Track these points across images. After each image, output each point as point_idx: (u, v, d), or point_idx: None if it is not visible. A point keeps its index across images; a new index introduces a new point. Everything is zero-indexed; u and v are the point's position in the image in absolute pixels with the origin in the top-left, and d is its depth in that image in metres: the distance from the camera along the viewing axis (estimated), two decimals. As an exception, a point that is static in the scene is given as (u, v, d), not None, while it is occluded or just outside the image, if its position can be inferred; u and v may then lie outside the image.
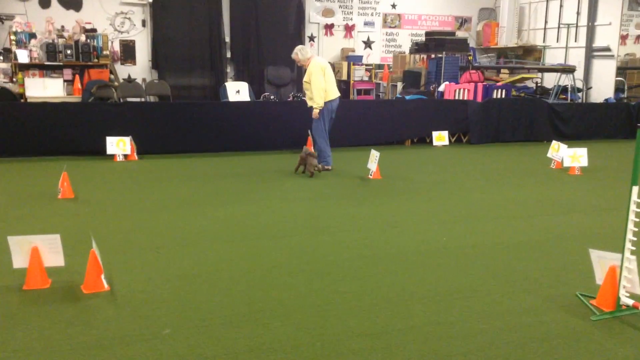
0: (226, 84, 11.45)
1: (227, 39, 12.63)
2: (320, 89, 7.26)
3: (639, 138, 3.27)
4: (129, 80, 10.99)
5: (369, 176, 7.15)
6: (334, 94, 7.51)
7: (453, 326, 3.21)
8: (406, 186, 6.79)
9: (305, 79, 7.51)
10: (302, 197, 6.18)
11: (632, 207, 3.30)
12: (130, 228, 4.91)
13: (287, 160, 8.33)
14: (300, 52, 7.52)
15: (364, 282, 3.81)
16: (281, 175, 7.30)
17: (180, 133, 8.71)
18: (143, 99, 10.79)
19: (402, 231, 4.98)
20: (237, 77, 12.69)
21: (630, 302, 3.36)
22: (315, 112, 7.42)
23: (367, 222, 5.25)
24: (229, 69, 12.80)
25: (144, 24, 12.14)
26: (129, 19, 12.09)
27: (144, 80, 11.92)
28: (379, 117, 9.79)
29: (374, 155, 7.15)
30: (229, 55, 12.70)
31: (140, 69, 12.20)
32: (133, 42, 12.15)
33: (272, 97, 11.32)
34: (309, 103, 7.52)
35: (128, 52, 12.14)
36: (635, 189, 3.29)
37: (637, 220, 3.31)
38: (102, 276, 3.60)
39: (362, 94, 13.28)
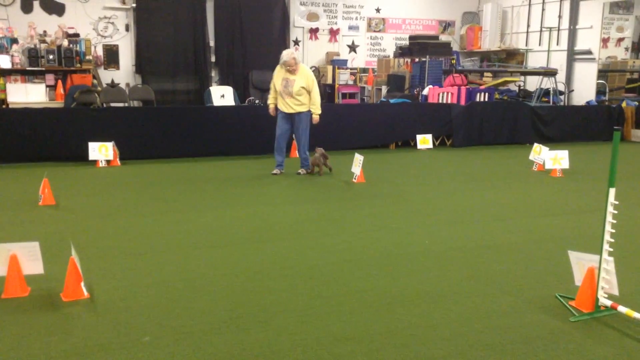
0: (211, 88, 11.42)
1: (212, 43, 12.59)
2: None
3: (616, 140, 3.31)
4: (112, 85, 10.92)
5: (353, 180, 7.16)
6: None
7: (434, 329, 3.23)
8: (390, 190, 6.81)
9: (302, 84, 7.34)
10: (286, 201, 6.18)
11: (610, 209, 3.34)
12: (112, 234, 4.87)
13: (272, 165, 8.31)
14: (297, 56, 7.48)
15: (347, 286, 3.82)
16: (266, 179, 7.29)
17: (164, 138, 8.68)
18: (126, 104, 10.72)
19: (385, 234, 5.00)
20: (222, 82, 12.66)
21: (609, 303, 3.40)
22: (318, 117, 7.53)
23: (351, 226, 5.26)
24: (213, 73, 12.76)
25: (127, 28, 12.07)
26: (113, 23, 12.02)
27: (127, 85, 11.85)
28: (363, 120, 9.82)
29: (358, 159, 7.17)
30: (213, 59, 12.66)
31: (124, 74, 12.13)
32: (116, 46, 12.07)
33: (257, 101, 11.30)
34: (313, 109, 7.48)
35: (111, 56, 12.07)
36: (612, 191, 3.33)
37: (615, 222, 3.35)
38: (82, 283, 3.57)
39: (347, 98, 13.31)
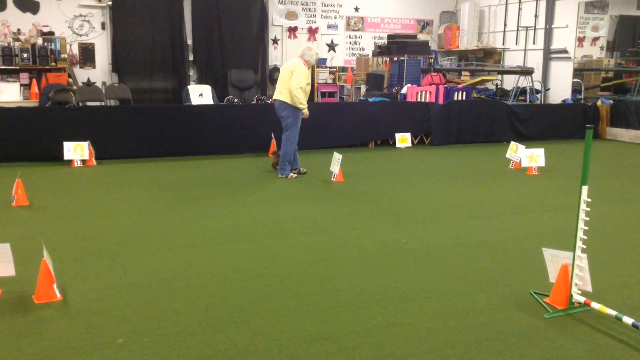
0: (189, 87, 11.32)
1: (189, 42, 12.49)
2: None
3: (588, 139, 3.35)
4: (88, 83, 10.77)
5: (332, 179, 7.16)
6: (275, 94, 7.32)
7: (410, 327, 3.24)
8: (368, 188, 6.82)
9: (308, 81, 7.15)
10: (263, 200, 6.16)
11: (583, 206, 3.38)
12: (86, 235, 4.81)
13: (250, 164, 8.29)
14: None
15: (323, 285, 3.81)
16: (243, 179, 7.26)
17: (140, 137, 8.59)
18: (103, 103, 10.59)
19: (363, 233, 5.00)
20: (200, 80, 12.57)
21: (582, 299, 3.44)
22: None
23: (328, 224, 5.25)
24: (191, 72, 12.66)
25: (103, 26, 11.92)
26: (88, 21, 11.86)
27: (103, 83, 11.70)
28: (342, 119, 9.83)
29: (337, 157, 7.17)
30: (191, 58, 12.56)
31: (100, 73, 11.97)
32: (92, 45, 11.91)
33: (235, 100, 11.24)
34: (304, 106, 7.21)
35: (87, 55, 11.91)
36: (585, 188, 3.37)
37: (588, 219, 3.39)
38: (55, 285, 3.51)
39: (326, 97, 13.30)
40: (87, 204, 5.86)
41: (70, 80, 10.67)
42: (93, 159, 7.98)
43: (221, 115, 9.12)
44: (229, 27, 12.81)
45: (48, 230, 4.92)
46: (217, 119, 9.04)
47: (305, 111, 7.20)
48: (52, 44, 10.46)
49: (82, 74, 11.62)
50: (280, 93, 7.16)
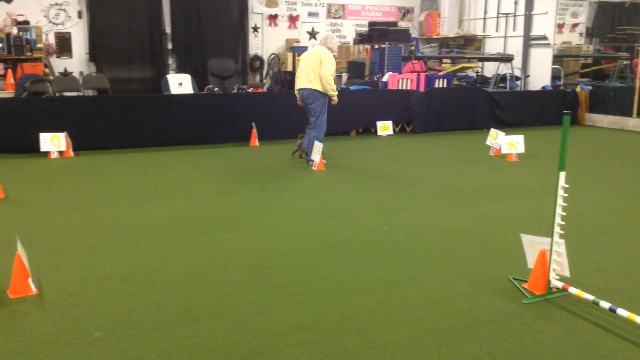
0: (168, 76, 11.18)
1: (168, 30, 12.33)
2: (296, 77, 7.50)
3: (565, 125, 3.37)
4: (65, 73, 10.59)
5: (313, 167, 7.14)
6: (298, 84, 7.36)
7: (390, 315, 3.24)
8: (349, 177, 6.81)
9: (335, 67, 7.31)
10: (243, 190, 6.12)
11: (560, 192, 3.39)
12: (63, 228, 4.74)
13: (230, 154, 8.24)
14: None
15: (304, 275, 3.80)
16: (223, 169, 7.20)
17: (119, 128, 8.48)
18: (80, 93, 10.43)
19: (344, 222, 4.99)
20: (180, 69, 12.42)
21: (560, 284, 3.47)
22: None
23: (309, 213, 5.24)
24: (170, 61, 12.50)
25: (80, 15, 11.70)
26: (64, 10, 11.63)
27: (81, 73, 11.51)
28: (323, 108, 9.77)
29: (318, 146, 7.15)
30: (170, 46, 12.40)
31: (77, 62, 11.76)
32: (69, 34, 11.70)
33: (216, 89, 11.14)
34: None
35: (64, 44, 11.69)
36: (562, 174, 3.39)
37: (565, 205, 3.41)
38: (30, 279, 3.45)
39: (307, 85, 13.22)
40: (64, 196, 5.77)
41: (47, 70, 10.48)
42: (70, 150, 7.86)
43: (201, 104, 9.03)
44: (209, 15, 12.66)
45: (24, 223, 4.83)
46: (197, 108, 8.95)
47: (335, 97, 7.30)
48: (28, 33, 10.26)
49: (58, 64, 11.42)
50: (310, 82, 7.19)
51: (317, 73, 7.13)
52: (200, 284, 3.62)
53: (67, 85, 10.33)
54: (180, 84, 10.89)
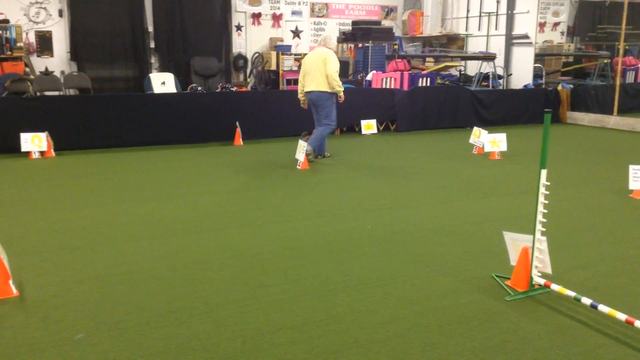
0: (151, 75, 11.11)
1: (150, 29, 12.24)
2: (299, 81, 7.74)
3: (546, 123, 3.40)
4: (46, 73, 10.47)
5: (297, 167, 7.13)
6: (309, 86, 7.51)
7: (374, 313, 3.25)
8: (334, 176, 6.82)
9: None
10: (228, 189, 6.09)
11: (542, 189, 3.42)
12: (45, 229, 4.68)
13: (214, 153, 8.21)
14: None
15: (288, 274, 3.80)
16: (207, 168, 7.17)
17: (101, 128, 8.40)
18: (61, 93, 10.32)
19: (329, 221, 5.00)
20: (162, 68, 12.34)
21: (542, 281, 3.50)
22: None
23: (294, 213, 5.23)
24: (153, 60, 12.41)
25: (60, 13, 11.58)
26: (45, 8, 11.50)
27: (62, 72, 11.39)
28: (308, 107, 9.75)
29: (302, 145, 7.14)
30: (152, 45, 12.31)
31: (58, 61, 11.64)
32: (50, 33, 11.56)
33: (199, 88, 11.08)
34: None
35: (44, 43, 11.55)
36: (543, 172, 3.42)
37: (547, 202, 3.44)
38: (10, 281, 3.41)
39: (291, 84, 13.22)
40: (45, 196, 5.71)
41: (27, 69, 10.37)
42: (52, 150, 7.78)
43: (185, 103, 8.97)
44: (191, 14, 12.59)
45: (5, 224, 4.77)
46: (181, 107, 8.89)
47: (342, 94, 7.52)
48: (7, 32, 10.14)
49: (39, 63, 11.28)
50: (318, 84, 7.39)
51: (323, 74, 7.32)
52: (184, 284, 3.60)
53: (48, 85, 10.21)
54: (163, 83, 10.82)
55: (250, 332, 3.02)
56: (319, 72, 7.34)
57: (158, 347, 2.85)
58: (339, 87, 7.40)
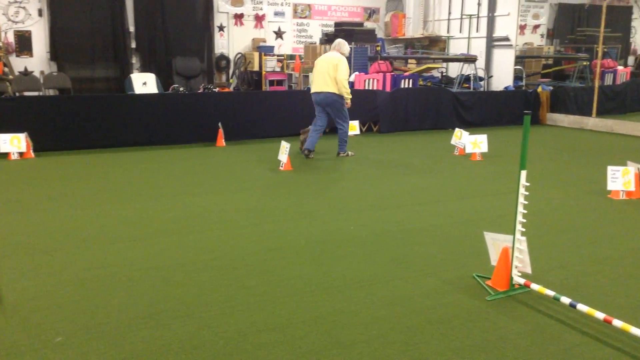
0: (132, 75, 11.04)
1: (131, 29, 12.15)
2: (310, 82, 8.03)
3: (526, 124, 3.44)
4: (25, 73, 10.35)
5: (280, 168, 7.12)
6: (315, 87, 7.77)
7: (356, 314, 3.26)
8: (316, 177, 6.83)
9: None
10: (209, 191, 6.07)
11: (521, 190, 3.46)
12: (24, 231, 4.62)
13: (197, 154, 8.17)
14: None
15: (271, 276, 3.79)
16: (189, 169, 7.13)
17: (81, 128, 8.32)
18: (41, 93, 10.20)
19: (311, 222, 5.00)
20: (144, 69, 12.26)
21: (522, 281, 3.54)
22: None
23: (276, 214, 5.23)
24: (134, 60, 12.33)
25: (40, 13, 11.44)
26: (24, 8, 11.36)
27: (42, 73, 11.27)
28: (291, 108, 9.77)
29: (285, 146, 7.14)
30: (133, 45, 12.23)
31: (38, 61, 11.51)
32: (29, 32, 11.43)
33: (181, 89, 11.03)
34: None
35: (24, 43, 11.42)
36: (523, 173, 3.46)
37: (527, 203, 3.48)
38: (-12, 284, 3.37)
39: (274, 85, 13.22)
40: (24, 198, 5.64)
41: (6, 69, 10.22)
42: (31, 151, 7.68)
43: (166, 104, 8.92)
44: (173, 14, 12.53)
45: (-18, 227, 4.71)
46: (162, 108, 8.84)
47: (349, 101, 7.80)
48: (-15, 31, 9.98)
49: (18, 63, 11.14)
50: (327, 85, 7.63)
51: (332, 77, 7.55)
52: (166, 286, 3.58)
53: (28, 85, 10.10)
54: (144, 83, 10.76)
55: (232, 333, 3.01)
56: (327, 75, 7.57)
57: (139, 349, 2.83)
58: (347, 93, 7.68)
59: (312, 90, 7.82)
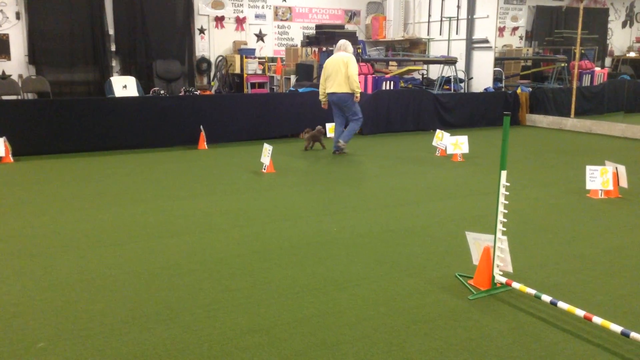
0: (112, 78, 10.95)
1: (111, 31, 12.06)
2: (320, 83, 8.45)
3: (505, 125, 3.48)
4: (3, 76, 10.23)
5: (263, 170, 7.12)
6: (330, 88, 8.26)
7: (341, 315, 3.27)
8: (299, 179, 6.83)
9: None
10: (192, 194, 6.05)
11: (502, 190, 3.51)
12: (3, 236, 4.56)
13: (178, 158, 8.13)
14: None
15: (255, 278, 3.79)
16: (170, 173, 7.10)
17: (61, 132, 8.24)
18: (19, 97, 10.07)
19: (295, 224, 5.00)
20: (124, 72, 12.18)
21: (504, 280, 3.58)
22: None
23: (260, 216, 5.23)
24: (114, 63, 12.24)
25: (18, 16, 11.32)
26: (1, 11, 11.24)
27: (20, 76, 11.14)
28: (273, 110, 9.78)
29: (267, 149, 7.14)
30: (113, 48, 12.14)
31: (16, 65, 11.38)
32: (7, 35, 11.30)
33: (162, 92, 10.97)
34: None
35: (1, 46, 11.29)
36: (503, 173, 3.50)
37: (507, 202, 3.52)
38: (-33, 291, 3.32)
39: (255, 88, 13.21)
40: (3, 203, 5.56)
41: (-17, 73, 10.09)
42: (10, 155, 7.59)
43: (147, 107, 8.87)
44: (153, 16, 12.47)
45: (-40, 233, 4.64)
46: (143, 111, 8.78)
47: (359, 95, 8.30)
48: (-39, 34, 9.84)
49: (-5, 66, 11.02)
50: (340, 85, 8.15)
51: (344, 75, 8.08)
52: (149, 290, 3.56)
53: (6, 89, 9.97)
54: (124, 86, 10.68)
55: (216, 336, 3.01)
56: (341, 74, 8.08)
57: (122, 354, 2.81)
58: (358, 88, 8.19)
59: (328, 91, 8.32)
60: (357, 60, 11.81)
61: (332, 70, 8.20)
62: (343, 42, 8.38)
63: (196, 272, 3.87)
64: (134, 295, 3.48)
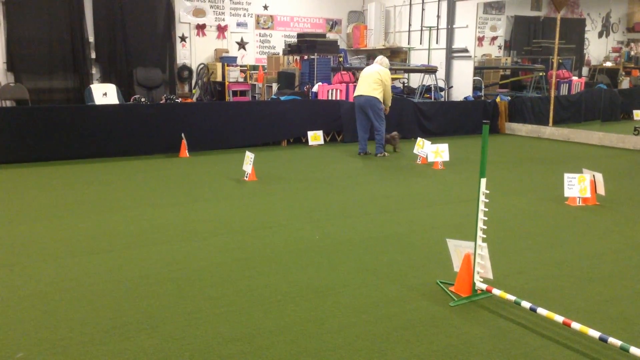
0: (92, 86, 10.85)
1: (91, 39, 11.97)
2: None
3: (485, 133, 3.53)
4: (-20, 83, 10.09)
5: (245, 178, 7.11)
6: (358, 91, 8.98)
7: (323, 323, 3.28)
8: (281, 187, 6.84)
9: None
10: (173, 202, 6.01)
11: (482, 197, 3.55)
12: (-19, 245, 4.50)
13: (159, 165, 8.08)
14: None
15: (237, 286, 3.78)
16: (151, 181, 7.06)
17: (40, 140, 8.14)
18: (-3, 104, 9.95)
19: (277, 232, 5.00)
20: (104, 79, 12.09)
21: (484, 286, 3.62)
22: None
23: (241, 224, 5.22)
24: (94, 71, 12.14)
25: (-5, 22, 11.18)
26: (-21, 17, 11.08)
27: (-3, 83, 10.99)
28: (254, 118, 9.78)
29: (249, 156, 7.13)
30: (93, 55, 12.04)
31: (-6, 72, 11.23)
32: (-16, 42, 11.15)
33: (143, 99, 10.90)
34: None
35: (-22, 53, 11.12)
36: (483, 181, 3.54)
37: (487, 210, 3.56)
38: (-56, 301, 3.26)
39: (237, 96, 13.19)
40: (-20, 212, 5.48)
41: (-41, 79, 9.95)
42: (-13, 163, 7.48)
43: (127, 115, 8.81)
44: (134, 24, 12.41)
45: (-64, 242, 4.56)
46: (124, 119, 8.73)
47: (388, 108, 9.20)
48: (-63, 40, 9.69)
49: (-28, 73, 10.87)
50: (370, 90, 8.82)
51: (375, 82, 8.75)
52: (129, 299, 3.53)
53: (-18, 96, 9.82)
54: (104, 94, 10.59)
55: (198, 345, 2.99)
56: (372, 80, 8.76)
57: (103, 363, 2.79)
58: (389, 99, 9.05)
59: (356, 94, 9.01)
60: (338, 69, 11.90)
61: (364, 78, 8.88)
62: (380, 57, 9.12)
63: (177, 281, 3.85)
64: (115, 304, 3.45)
